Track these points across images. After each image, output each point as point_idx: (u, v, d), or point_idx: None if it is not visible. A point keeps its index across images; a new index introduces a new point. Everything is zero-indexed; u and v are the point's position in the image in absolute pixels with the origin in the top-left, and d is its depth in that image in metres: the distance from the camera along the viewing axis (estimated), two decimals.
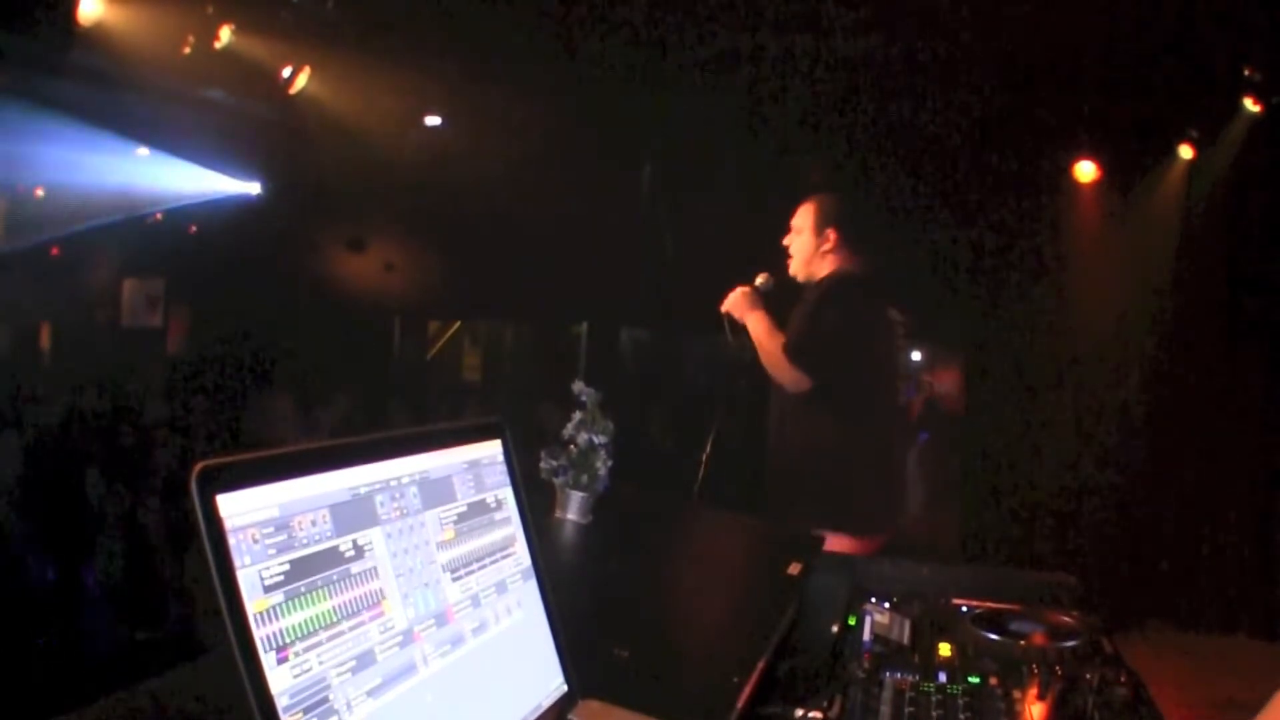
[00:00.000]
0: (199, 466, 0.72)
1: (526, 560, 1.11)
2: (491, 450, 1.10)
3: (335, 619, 0.80)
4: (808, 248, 3.06)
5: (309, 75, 5.64)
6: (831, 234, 3.04)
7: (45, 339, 8.75)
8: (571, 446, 1.98)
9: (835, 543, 2.77)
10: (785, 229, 3.15)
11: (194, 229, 8.25)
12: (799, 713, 1.31)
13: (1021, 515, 5.62)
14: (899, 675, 1.46)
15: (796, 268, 3.10)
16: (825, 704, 1.34)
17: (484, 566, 1.03)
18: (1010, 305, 5.89)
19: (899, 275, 3.66)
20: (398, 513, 0.92)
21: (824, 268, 3.06)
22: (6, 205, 7.87)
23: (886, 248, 3.73)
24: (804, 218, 3.09)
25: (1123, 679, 1.42)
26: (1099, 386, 5.77)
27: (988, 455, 5.85)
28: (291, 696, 0.74)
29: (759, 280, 3.08)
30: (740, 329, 3.03)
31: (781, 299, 3.10)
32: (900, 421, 5.48)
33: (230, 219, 7.92)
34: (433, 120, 6.56)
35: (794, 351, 2.85)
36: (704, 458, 3.10)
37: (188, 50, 5.12)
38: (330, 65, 5.63)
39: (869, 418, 3.01)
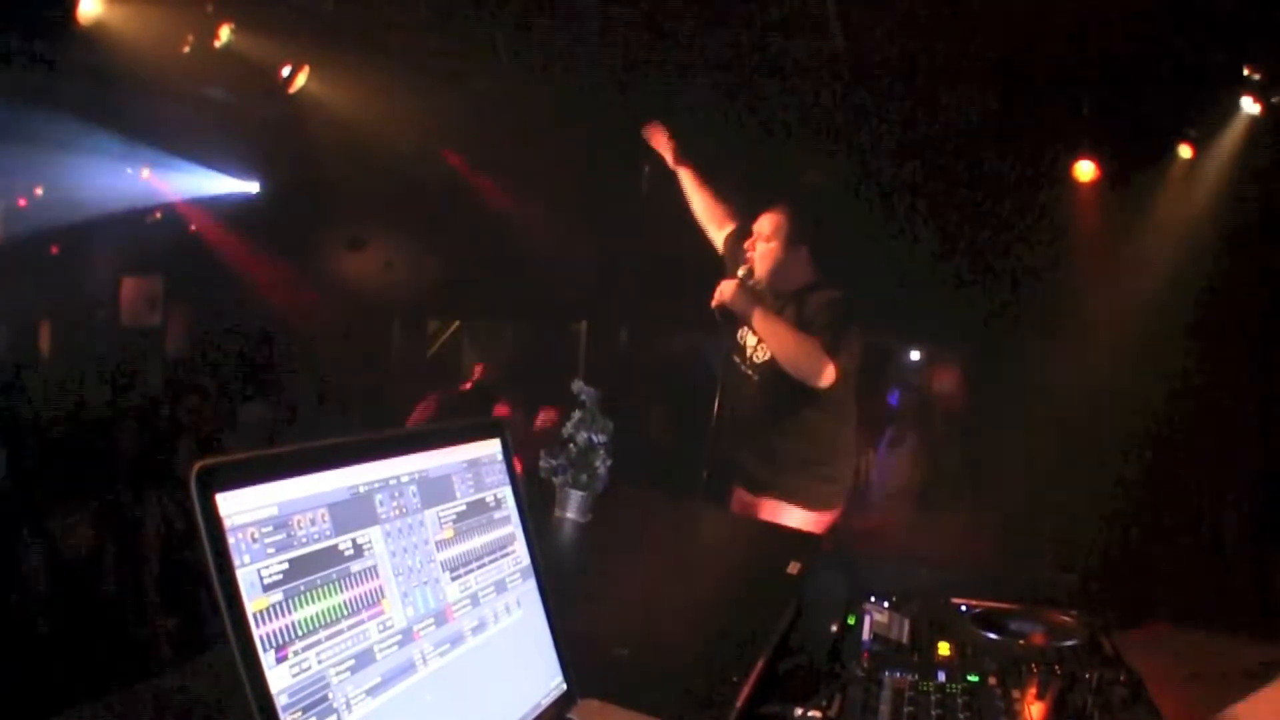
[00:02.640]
0: (198, 466, 0.72)
1: (526, 559, 1.11)
2: (491, 449, 1.10)
3: (334, 618, 0.80)
4: (778, 259, 3.08)
5: (308, 74, 5.64)
6: (804, 249, 3.09)
7: (45, 338, 8.75)
8: (571, 445, 1.99)
9: (789, 515, 2.87)
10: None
11: (193, 228, 8.26)
12: (798, 712, 1.31)
13: (1021, 515, 5.61)
14: (898, 674, 1.46)
15: (762, 276, 3.10)
16: (824, 703, 1.34)
17: (483, 565, 1.03)
18: (1010, 305, 5.89)
19: (874, 282, 3.71)
20: (397, 511, 0.92)
21: (797, 279, 3.09)
22: (5, 204, 7.88)
23: (857, 258, 3.77)
24: (772, 227, 3.10)
25: (1122, 679, 1.42)
26: (1098, 385, 5.76)
27: (987, 454, 5.85)
28: (291, 695, 0.74)
29: (742, 271, 3.08)
30: (731, 320, 3.04)
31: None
32: (889, 416, 5.52)
33: (229, 217, 7.93)
34: (431, 120, 6.56)
35: (832, 342, 2.87)
36: (706, 456, 3.11)
37: (187, 49, 5.11)
38: (330, 64, 5.63)
39: (848, 402, 3.08)
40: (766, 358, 3.05)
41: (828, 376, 2.86)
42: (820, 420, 3.02)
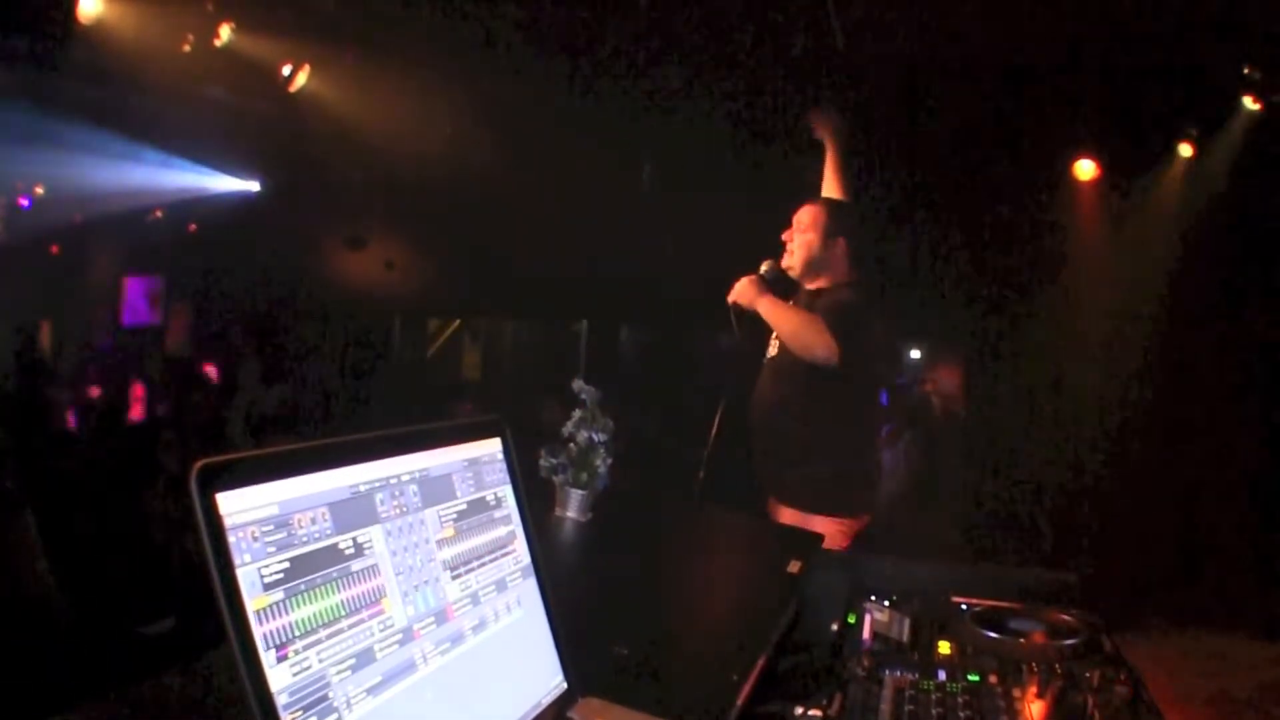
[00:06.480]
0: (199, 465, 0.72)
1: (526, 558, 1.11)
2: (491, 448, 1.10)
3: (335, 617, 0.80)
4: (813, 251, 3.07)
5: (309, 73, 5.64)
6: (841, 243, 3.07)
7: (45, 337, 8.75)
8: (571, 444, 1.99)
9: (824, 525, 2.81)
10: (784, 226, 3.15)
11: (194, 227, 8.26)
12: (799, 711, 1.31)
13: (1021, 513, 5.62)
14: (899, 673, 1.46)
15: (796, 266, 3.09)
16: (825, 702, 1.34)
17: (484, 564, 1.03)
18: (1010, 304, 5.89)
19: (898, 279, 3.70)
20: (397, 510, 0.92)
21: (828, 275, 3.07)
22: (6, 203, 7.87)
23: (886, 253, 3.76)
24: (811, 219, 3.09)
25: (1122, 678, 1.42)
26: (1099, 385, 5.77)
27: (988, 453, 5.85)
28: (291, 694, 0.74)
29: (764, 267, 3.09)
30: (747, 318, 3.03)
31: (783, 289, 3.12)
32: (886, 412, 5.53)
33: (230, 216, 7.92)
34: (432, 119, 6.56)
35: (833, 319, 2.84)
36: (706, 455, 3.10)
37: (188, 48, 5.12)
38: (330, 63, 5.63)
39: (865, 407, 3.09)
40: (775, 352, 3.04)
41: (830, 350, 2.82)
42: (832, 419, 2.97)
